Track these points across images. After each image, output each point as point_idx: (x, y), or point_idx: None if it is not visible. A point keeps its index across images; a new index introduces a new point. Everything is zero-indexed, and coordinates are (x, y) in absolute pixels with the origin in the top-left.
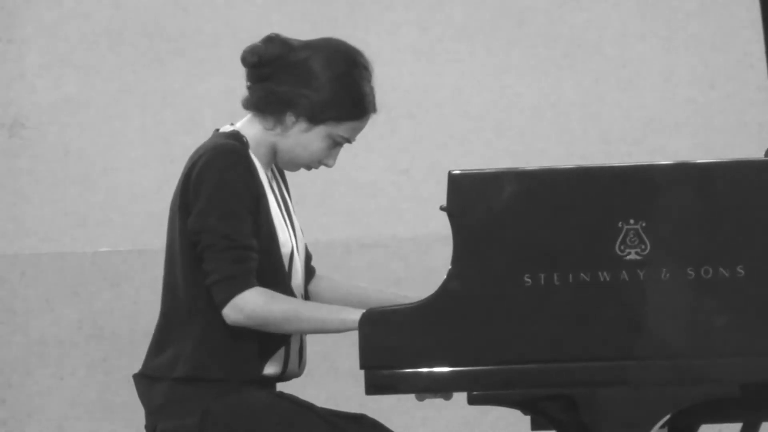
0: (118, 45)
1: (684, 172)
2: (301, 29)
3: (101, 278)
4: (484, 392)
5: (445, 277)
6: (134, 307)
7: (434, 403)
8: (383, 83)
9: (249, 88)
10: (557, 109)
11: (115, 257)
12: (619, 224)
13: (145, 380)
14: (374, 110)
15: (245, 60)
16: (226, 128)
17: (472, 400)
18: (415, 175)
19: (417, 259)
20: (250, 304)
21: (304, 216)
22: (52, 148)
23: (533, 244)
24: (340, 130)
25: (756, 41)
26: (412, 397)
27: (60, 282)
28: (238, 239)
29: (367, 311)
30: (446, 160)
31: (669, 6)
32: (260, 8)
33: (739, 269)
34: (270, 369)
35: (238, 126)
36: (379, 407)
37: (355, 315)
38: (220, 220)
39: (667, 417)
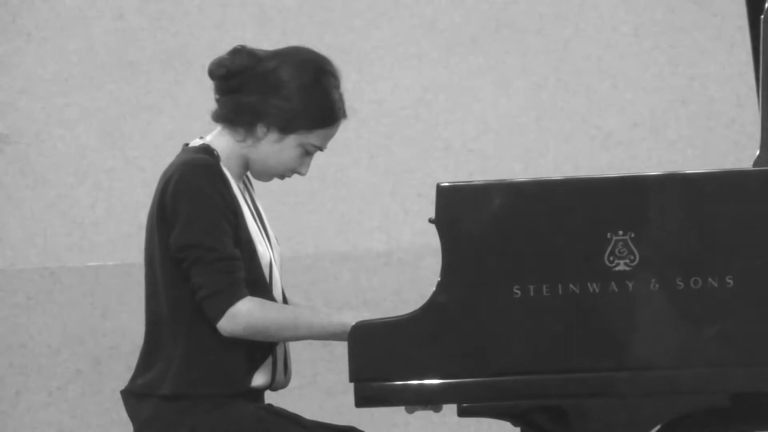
0: (103, 61)
1: (672, 183)
2: (291, 40)
3: (89, 293)
4: (473, 404)
5: (435, 289)
6: (123, 321)
7: (425, 415)
8: (372, 96)
9: (218, 100)
10: (546, 120)
11: (102, 271)
12: (608, 235)
13: (132, 397)
14: (344, 116)
15: (213, 73)
16: (196, 142)
17: (461, 412)
18: (404, 187)
19: (406, 271)
20: (246, 314)
21: (292, 228)
22: (38, 162)
23: (522, 256)
24: (312, 138)
25: (745, 51)
26: (401, 409)
27: (48, 296)
28: (224, 251)
29: (356, 324)
30: (435, 171)
31: (659, 14)
32: (251, 20)
33: (728, 279)
34: (258, 380)
35: (208, 139)
36: (369, 420)
37: (351, 318)
38: (203, 233)
39: (657, 427)
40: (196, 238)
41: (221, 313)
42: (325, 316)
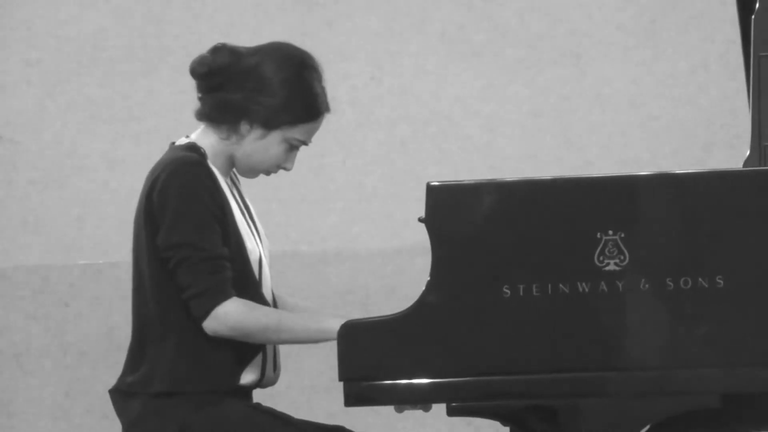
0: (89, 59)
1: (662, 183)
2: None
3: (78, 292)
4: (463, 404)
5: (424, 288)
6: (111, 320)
7: (414, 415)
8: (362, 95)
9: (200, 99)
10: (536, 120)
11: (91, 270)
12: (598, 235)
13: (121, 395)
14: (327, 110)
15: (195, 71)
16: (182, 141)
17: (451, 412)
18: (393, 186)
19: (395, 270)
20: (232, 315)
21: (280, 227)
22: (30, 160)
23: (512, 256)
24: (296, 133)
25: (735, 52)
26: (391, 408)
27: (37, 296)
28: (212, 250)
29: (345, 323)
30: (428, 170)
31: (651, 14)
32: (243, 21)
33: (718, 279)
34: (247, 378)
35: (194, 137)
36: (358, 419)
37: (336, 324)
38: (191, 232)
39: (647, 428)
40: (183, 237)
41: (207, 313)
42: (310, 321)
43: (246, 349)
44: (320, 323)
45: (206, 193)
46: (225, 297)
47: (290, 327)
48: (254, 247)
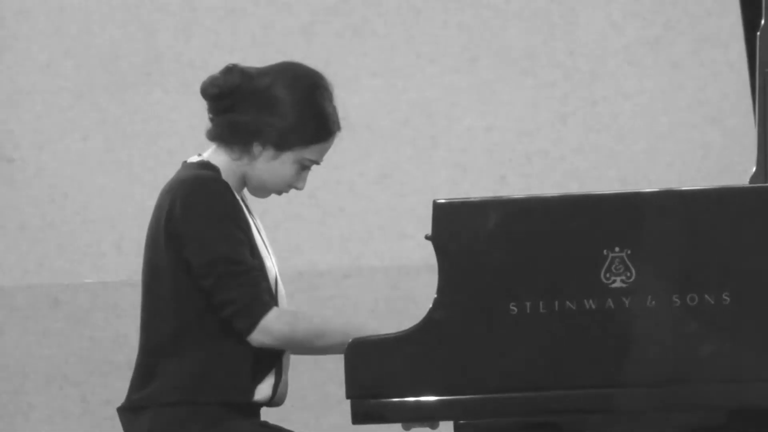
0: (90, 77)
1: (669, 199)
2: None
3: (85, 310)
4: (470, 421)
5: (431, 306)
6: (118, 338)
7: None
8: (370, 110)
9: (212, 119)
10: (543, 136)
11: (99, 288)
12: (605, 252)
13: (130, 412)
14: (339, 129)
15: (206, 92)
16: (194, 159)
17: (458, 429)
18: (399, 203)
19: (402, 287)
20: (278, 326)
21: (287, 244)
22: (32, 178)
23: (518, 273)
24: (308, 153)
25: (741, 68)
26: (398, 426)
27: (42, 313)
28: (248, 263)
29: (353, 340)
30: (431, 187)
31: (656, 30)
32: (238, 37)
33: (725, 296)
34: (261, 394)
35: (206, 156)
36: None
37: (372, 325)
38: (226, 248)
39: None
40: (219, 252)
41: (254, 325)
42: (350, 327)
43: (260, 366)
44: (361, 326)
45: (231, 208)
46: (268, 308)
47: (335, 331)
48: (271, 266)
